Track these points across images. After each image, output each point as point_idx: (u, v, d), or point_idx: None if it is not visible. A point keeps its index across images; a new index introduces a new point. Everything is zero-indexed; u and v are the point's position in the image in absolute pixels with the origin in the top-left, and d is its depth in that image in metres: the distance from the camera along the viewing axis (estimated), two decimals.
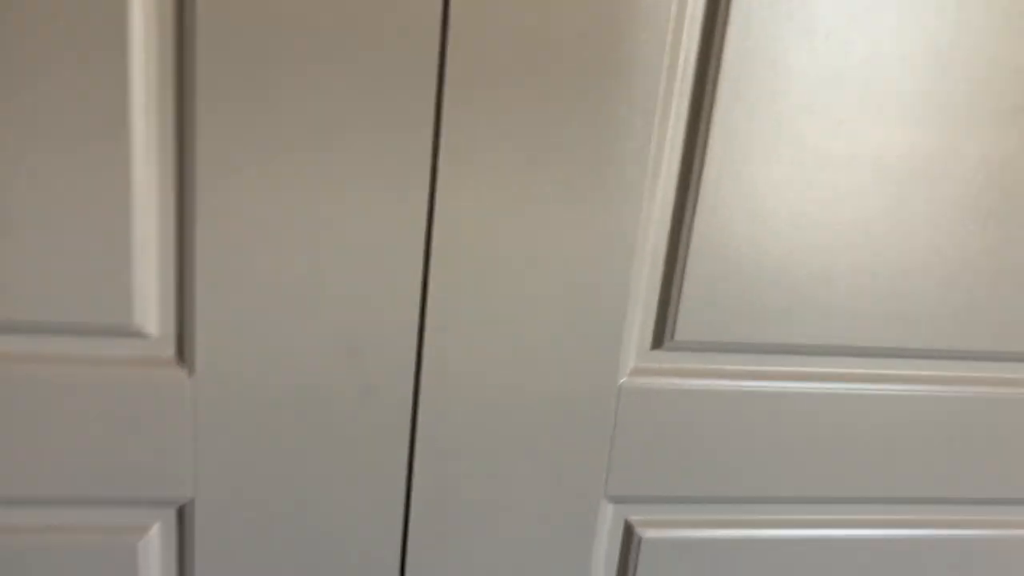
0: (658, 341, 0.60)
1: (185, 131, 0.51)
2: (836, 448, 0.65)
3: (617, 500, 0.63)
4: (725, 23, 0.53)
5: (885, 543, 0.69)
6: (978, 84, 0.56)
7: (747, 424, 0.63)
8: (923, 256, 0.60)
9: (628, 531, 0.65)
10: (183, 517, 0.59)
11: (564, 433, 0.60)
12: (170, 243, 0.53)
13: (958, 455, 0.67)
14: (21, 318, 0.53)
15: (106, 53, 0.48)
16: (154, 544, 0.59)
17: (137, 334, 0.54)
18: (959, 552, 0.70)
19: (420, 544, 0.61)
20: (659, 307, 0.59)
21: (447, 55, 0.51)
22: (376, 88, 0.51)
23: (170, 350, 0.55)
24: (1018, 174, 0.59)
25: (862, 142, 0.56)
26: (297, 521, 0.59)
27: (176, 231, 0.53)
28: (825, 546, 0.68)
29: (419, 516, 0.60)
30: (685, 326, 0.59)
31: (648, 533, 0.65)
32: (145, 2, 0.48)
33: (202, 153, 0.51)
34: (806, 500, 0.66)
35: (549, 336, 0.58)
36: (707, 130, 0.55)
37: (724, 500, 0.65)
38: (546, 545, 0.63)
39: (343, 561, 0.60)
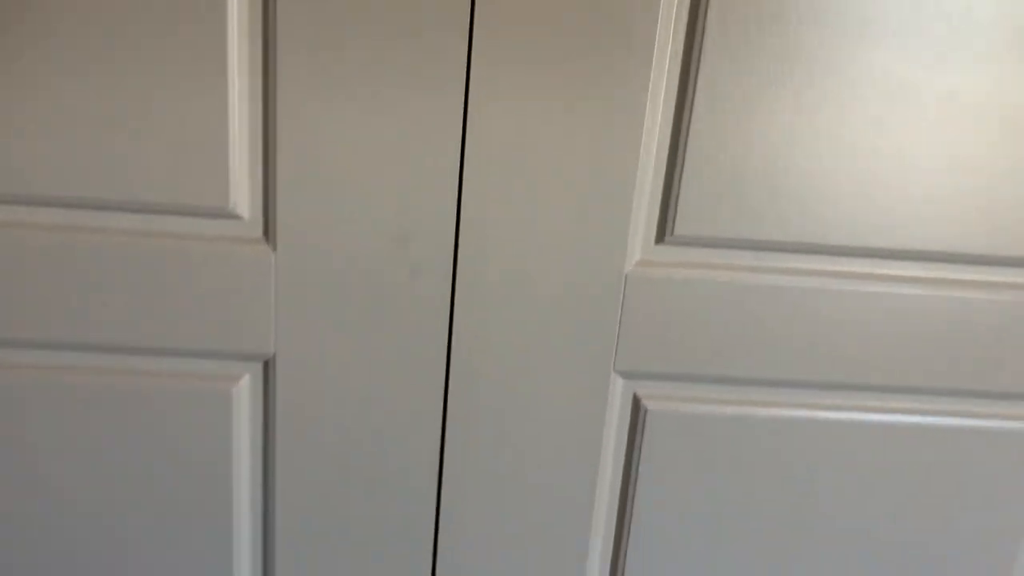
0: (660, 236, 0.71)
1: (269, 55, 0.64)
2: (827, 339, 0.74)
3: (626, 375, 0.74)
4: None
5: (878, 428, 0.77)
6: None
7: (742, 313, 0.73)
8: (916, 161, 0.69)
9: (636, 403, 0.76)
10: (267, 370, 0.73)
11: (579, 315, 0.72)
12: (258, 145, 0.67)
13: (949, 349, 0.75)
14: (144, 199, 0.67)
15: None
16: (245, 391, 0.73)
17: (232, 216, 0.68)
18: (947, 440, 0.78)
19: (457, 405, 0.73)
20: (661, 206, 0.70)
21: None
22: (418, 27, 0.62)
23: (258, 231, 0.69)
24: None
25: (848, 61, 0.65)
26: (356, 377, 0.72)
27: (263, 136, 0.67)
28: (818, 428, 0.77)
29: (457, 377, 0.73)
30: (683, 223, 0.70)
31: (653, 406, 0.75)
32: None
33: (282, 72, 0.63)
34: (799, 384, 0.76)
35: (566, 230, 0.69)
36: (701, 44, 0.65)
37: (723, 380, 0.75)
38: (565, 411, 0.74)
39: (395, 409, 0.73)
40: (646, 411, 0.75)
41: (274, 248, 0.69)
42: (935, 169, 0.69)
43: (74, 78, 0.63)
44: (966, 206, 0.71)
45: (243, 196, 0.68)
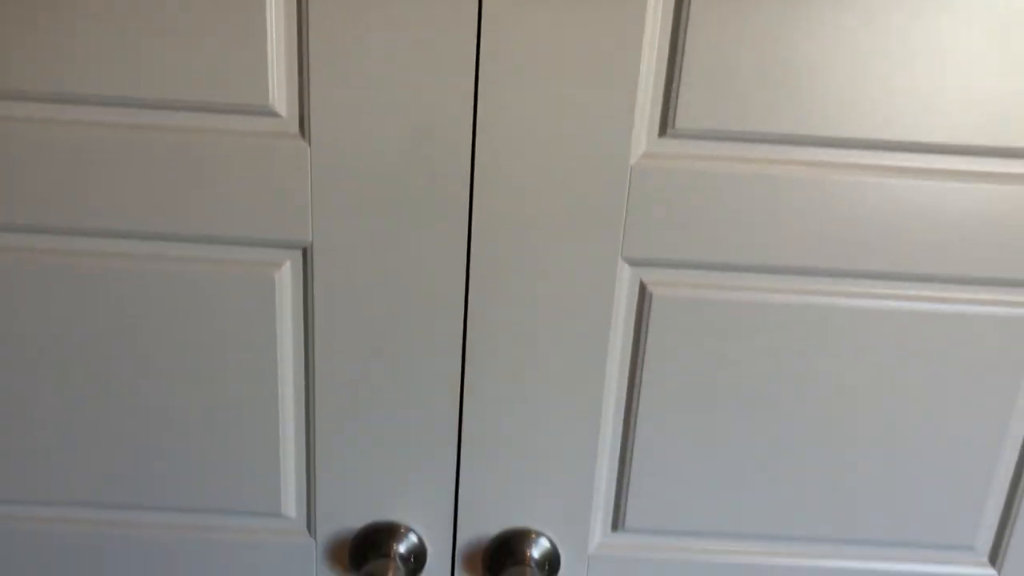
0: (663, 130, 0.76)
1: None
2: (826, 226, 0.79)
3: (632, 262, 0.81)
4: None
5: (878, 313, 0.83)
6: None
7: (744, 202, 0.78)
8: (914, 52, 0.73)
9: (642, 289, 0.82)
10: (306, 257, 0.80)
11: (588, 206, 0.78)
12: (294, 47, 0.74)
13: (946, 236, 0.79)
14: (190, 99, 0.74)
15: None
16: (286, 276, 0.81)
17: (271, 114, 0.75)
18: (946, 325, 0.83)
19: (478, 285, 0.80)
20: (663, 100, 0.75)
21: None
22: None
23: (295, 127, 0.76)
24: None
25: None
26: (386, 260, 0.80)
27: (297, 39, 0.73)
28: (818, 313, 0.83)
29: (477, 260, 0.80)
30: (684, 116, 0.75)
31: (658, 291, 0.82)
32: None
33: None
34: (799, 271, 0.81)
35: (574, 126, 0.75)
36: None
37: (726, 267, 0.81)
38: (577, 296, 0.81)
39: (421, 288, 0.81)
40: (651, 296, 0.82)
41: (309, 143, 0.76)
42: (931, 60, 0.73)
43: None
44: (959, 98, 0.75)
45: (281, 94, 0.75)
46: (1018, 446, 0.88)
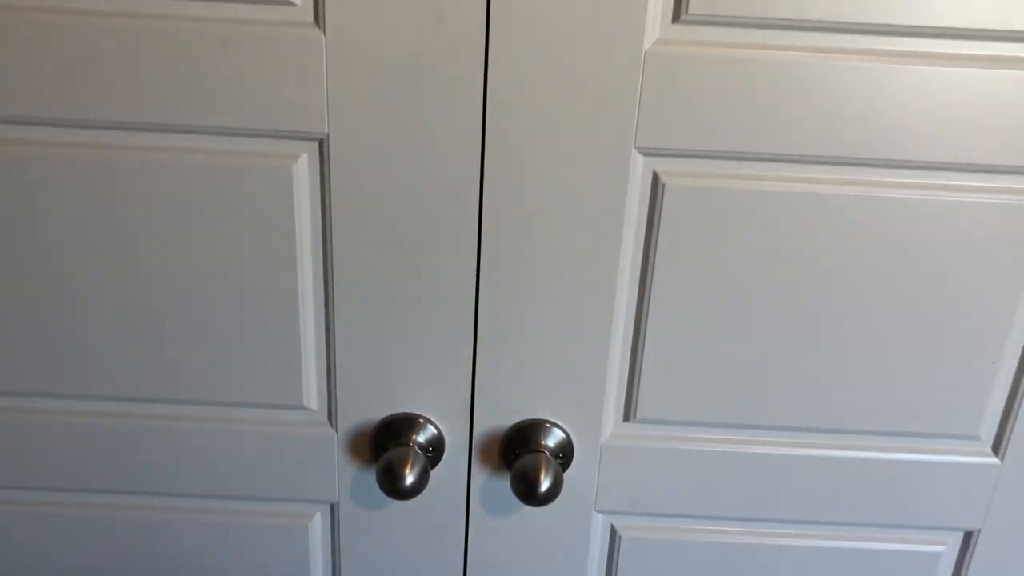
0: (676, 15, 0.76)
1: None
2: (838, 115, 0.79)
3: (645, 152, 0.81)
4: None
5: (890, 203, 0.84)
6: None
7: (755, 91, 0.78)
8: None
9: (655, 179, 0.83)
10: (322, 148, 0.81)
11: (602, 93, 0.78)
12: None
13: (959, 123, 0.80)
14: None
15: None
16: (303, 168, 0.82)
17: (285, 2, 0.76)
18: (961, 213, 0.84)
19: (492, 173, 0.81)
20: None
21: None
22: None
23: (309, 16, 0.76)
24: None
25: None
26: (401, 149, 0.81)
27: None
28: (830, 202, 0.83)
29: (492, 146, 0.80)
30: (697, 1, 0.75)
31: (670, 181, 0.82)
32: None
33: None
34: (811, 160, 0.81)
35: (588, 11, 0.75)
36: None
37: (738, 156, 0.81)
38: (590, 184, 0.82)
39: (437, 177, 0.82)
40: (664, 186, 0.82)
41: (324, 31, 0.76)
42: None
43: None
44: None
45: None
46: (1023, 338, 0.89)
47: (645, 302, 0.87)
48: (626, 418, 0.93)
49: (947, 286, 0.86)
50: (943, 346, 0.89)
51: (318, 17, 0.76)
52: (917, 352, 0.89)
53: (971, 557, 1.00)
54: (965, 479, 0.95)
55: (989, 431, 0.94)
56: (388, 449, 0.91)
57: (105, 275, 0.86)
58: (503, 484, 0.96)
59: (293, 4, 0.76)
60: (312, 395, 0.92)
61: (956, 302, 0.87)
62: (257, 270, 0.86)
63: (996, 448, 0.95)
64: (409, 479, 0.87)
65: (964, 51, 0.78)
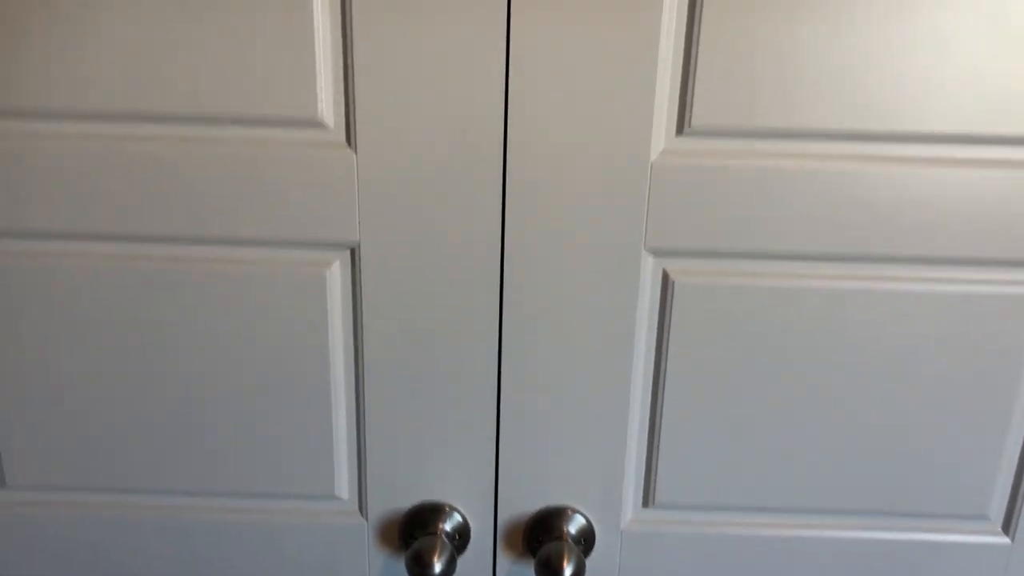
0: (680, 128, 0.82)
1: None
2: (836, 215, 0.85)
3: (655, 252, 0.87)
4: None
5: (887, 297, 0.88)
6: None
7: (757, 195, 0.84)
8: (914, 47, 0.79)
9: (665, 278, 0.88)
10: (354, 256, 0.87)
11: (613, 200, 0.84)
12: (340, 63, 0.81)
13: (954, 221, 0.85)
14: (247, 114, 0.82)
15: None
16: (336, 273, 0.88)
17: (320, 125, 0.82)
18: (956, 305, 0.89)
19: (511, 277, 0.87)
20: (679, 101, 0.81)
21: None
22: None
23: (341, 137, 0.83)
24: None
25: None
26: (426, 259, 0.86)
27: (343, 55, 0.80)
28: (833, 298, 0.88)
29: (510, 256, 0.86)
30: (700, 115, 0.81)
31: (680, 279, 0.88)
32: None
33: (358, 4, 0.77)
34: (813, 257, 0.87)
35: (598, 125, 0.81)
36: None
37: (743, 255, 0.87)
38: (604, 285, 0.87)
39: (459, 284, 0.88)
40: (674, 284, 0.88)
41: (356, 151, 0.83)
42: (931, 53, 0.79)
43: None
44: (957, 89, 0.80)
45: (328, 107, 0.82)
46: None
47: (660, 392, 0.92)
48: (645, 504, 0.97)
49: (949, 372, 0.90)
50: (948, 429, 0.93)
51: (350, 138, 0.83)
52: (923, 436, 0.93)
53: None
54: (976, 560, 0.98)
55: (998, 510, 0.97)
56: (417, 538, 0.95)
57: (147, 375, 0.92)
58: (527, 571, 0.99)
59: (327, 127, 0.83)
60: (344, 486, 0.97)
61: (959, 386, 0.91)
62: (292, 367, 0.91)
63: (1006, 528, 0.97)
64: (437, 567, 0.91)
65: (954, 154, 0.83)
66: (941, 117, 0.81)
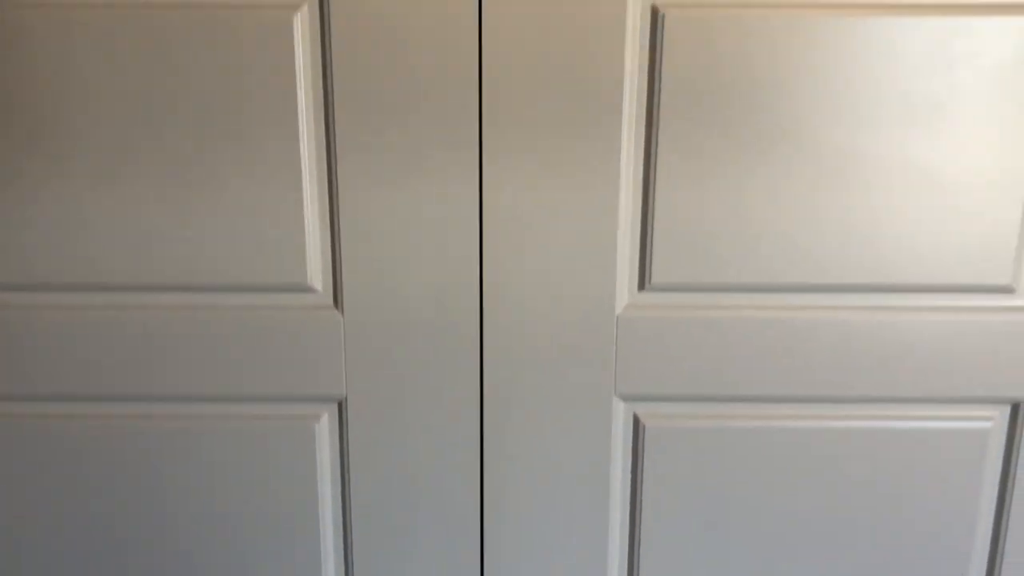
0: (642, 285, 0.89)
1: (331, 160, 0.85)
2: (784, 360, 0.90)
3: (625, 398, 0.92)
4: (659, 76, 0.82)
5: (848, 435, 0.93)
6: None
7: (716, 342, 0.90)
8: (839, 212, 0.86)
9: (636, 421, 0.93)
10: (342, 409, 0.93)
11: (583, 351, 0.90)
12: (327, 233, 0.88)
13: (891, 362, 0.91)
14: (243, 281, 0.88)
15: (281, 125, 0.84)
16: (325, 426, 0.93)
17: (309, 290, 0.89)
18: (905, 442, 0.93)
19: (491, 428, 0.92)
20: (640, 261, 0.88)
21: (483, 90, 0.83)
22: (438, 139, 0.83)
23: (329, 300, 0.90)
24: None
25: (787, 135, 0.84)
26: (410, 411, 0.92)
27: (330, 226, 0.88)
28: (794, 436, 0.93)
29: (489, 407, 0.91)
30: (659, 274, 0.88)
31: (650, 423, 0.93)
32: (307, 93, 0.83)
33: (342, 176, 0.85)
34: (771, 399, 0.92)
35: (567, 284, 0.88)
36: (657, 140, 0.84)
37: (708, 399, 0.92)
38: (578, 430, 0.92)
39: (441, 437, 0.92)
40: (644, 427, 0.93)
41: (342, 313, 0.89)
42: (869, 212, 0.86)
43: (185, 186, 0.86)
44: (890, 247, 0.87)
45: (317, 274, 0.89)
46: (987, 541, 0.96)
47: (636, 532, 0.95)
48: None
49: (907, 506, 0.94)
50: (911, 552, 0.96)
51: (337, 301, 0.90)
52: (890, 563, 0.96)
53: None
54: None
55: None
56: None
57: (146, 527, 0.96)
58: None
59: (315, 291, 0.89)
60: None
61: (915, 516, 0.95)
62: (282, 514, 0.95)
63: None
64: None
65: (904, 303, 0.90)
66: (887, 269, 0.88)
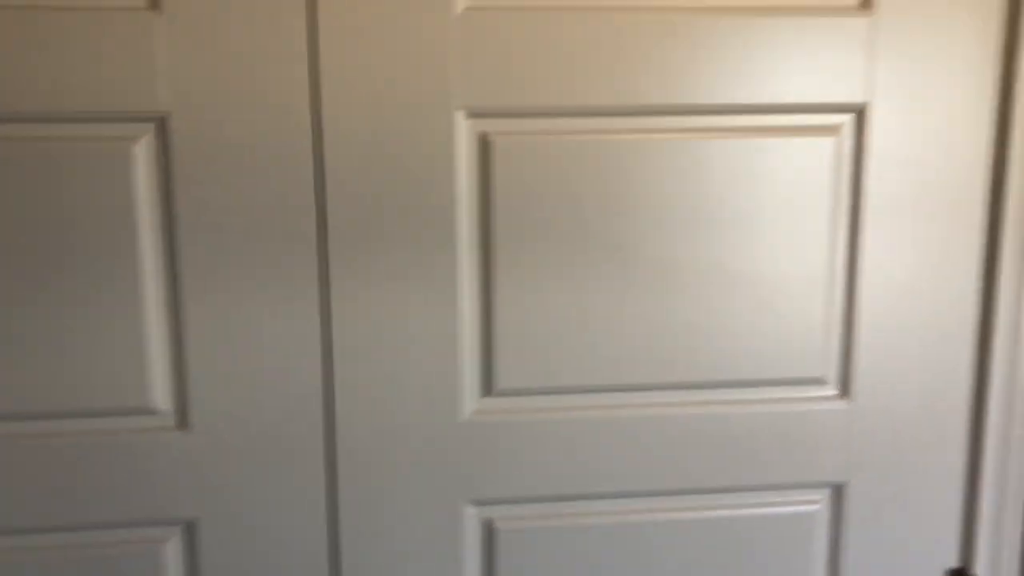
0: (487, 391, 0.93)
1: (177, 287, 0.87)
2: (615, 457, 0.95)
3: (477, 503, 0.95)
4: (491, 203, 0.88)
5: (690, 524, 0.98)
6: None
7: (559, 440, 0.94)
8: (645, 317, 0.93)
9: (489, 525, 0.95)
10: (192, 532, 0.92)
11: (432, 459, 0.92)
12: (173, 358, 0.89)
13: (711, 453, 0.96)
14: (92, 406, 0.87)
15: (121, 265, 0.85)
16: (174, 549, 0.92)
17: (153, 412, 0.89)
18: (726, 530, 0.99)
19: (348, 548, 0.93)
20: (482, 369, 0.92)
21: (328, 229, 0.86)
22: (283, 260, 0.86)
23: (173, 421, 0.90)
24: None
25: (618, 246, 0.90)
26: (259, 533, 0.91)
27: (176, 352, 0.88)
28: (640, 530, 0.97)
29: (345, 524, 0.92)
30: (501, 380, 0.92)
31: (502, 525, 0.95)
32: (147, 221, 0.85)
33: (186, 302, 0.86)
34: (609, 495, 0.96)
35: (416, 391, 0.91)
36: (495, 256, 0.89)
37: (553, 498, 0.95)
38: (429, 542, 0.94)
39: (291, 559, 0.92)
40: (497, 531, 0.95)
41: (189, 433, 0.89)
42: (681, 321, 0.93)
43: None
44: (716, 346, 0.94)
45: (162, 396, 0.89)
46: None
47: None
48: None
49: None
50: None
51: (183, 421, 0.90)
52: None
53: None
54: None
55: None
56: None
57: None
58: None
59: (160, 412, 0.89)
60: None
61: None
62: None
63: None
64: None
65: (727, 397, 0.96)
66: (715, 366, 0.94)
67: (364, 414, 0.91)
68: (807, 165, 0.92)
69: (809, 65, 0.89)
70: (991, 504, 1.00)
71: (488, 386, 0.93)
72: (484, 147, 0.88)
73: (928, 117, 0.92)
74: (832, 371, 0.97)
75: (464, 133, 0.88)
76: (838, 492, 0.99)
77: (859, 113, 0.91)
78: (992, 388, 0.98)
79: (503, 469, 0.94)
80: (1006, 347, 0.97)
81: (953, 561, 1.02)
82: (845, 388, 0.97)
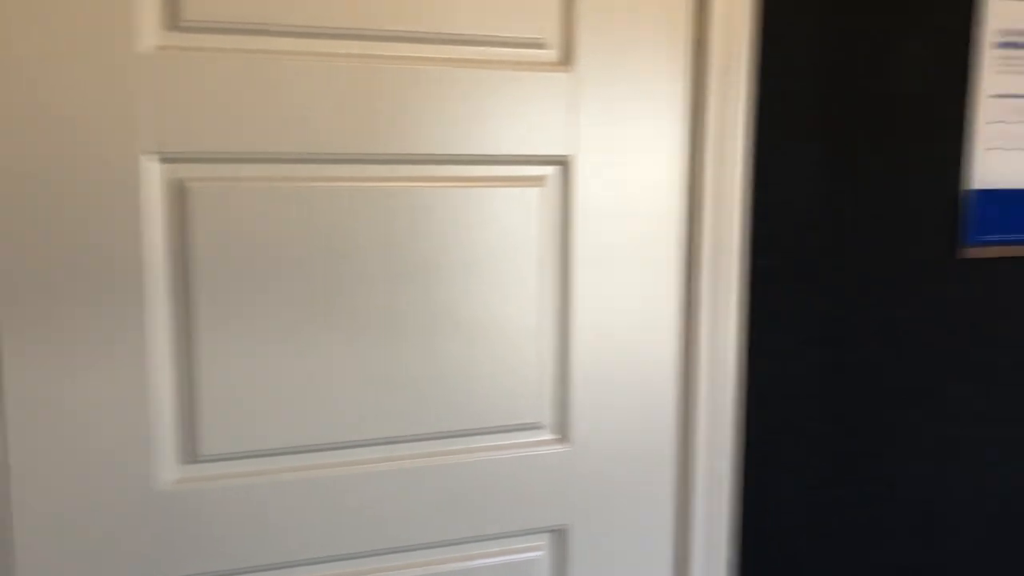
0: (192, 457, 0.86)
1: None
2: (348, 512, 0.91)
3: None
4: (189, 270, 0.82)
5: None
6: None
7: (269, 506, 0.88)
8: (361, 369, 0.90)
9: None
10: None
11: (127, 534, 0.84)
12: None
13: (437, 502, 0.95)
14: None
15: None
16: None
17: None
18: None
19: None
20: (183, 435, 0.85)
21: None
22: None
23: None
24: None
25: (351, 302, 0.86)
26: None
27: None
28: None
29: None
30: (208, 444, 0.85)
31: None
32: None
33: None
34: (339, 558, 0.92)
35: (104, 461, 0.82)
36: (194, 314, 0.83)
37: (263, 568, 0.89)
38: None
39: None
40: None
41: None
42: (399, 372, 0.91)
43: None
44: (434, 396, 0.93)
45: None
46: None
47: None
48: None
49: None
50: None
51: None
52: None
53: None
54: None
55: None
56: None
57: None
58: None
59: None
60: None
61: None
62: None
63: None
64: None
65: (456, 447, 0.95)
66: (434, 416, 0.93)
67: (44, 490, 0.81)
68: (516, 215, 0.94)
69: (516, 118, 0.92)
70: (701, 538, 1.05)
71: (192, 452, 0.86)
72: (180, 194, 0.83)
73: (628, 169, 0.97)
74: (548, 416, 0.99)
75: (156, 178, 0.82)
76: (561, 537, 1.00)
77: (564, 165, 0.95)
78: (698, 427, 1.03)
79: (207, 540, 0.87)
80: (707, 388, 1.02)
81: None
82: (564, 433, 0.99)
